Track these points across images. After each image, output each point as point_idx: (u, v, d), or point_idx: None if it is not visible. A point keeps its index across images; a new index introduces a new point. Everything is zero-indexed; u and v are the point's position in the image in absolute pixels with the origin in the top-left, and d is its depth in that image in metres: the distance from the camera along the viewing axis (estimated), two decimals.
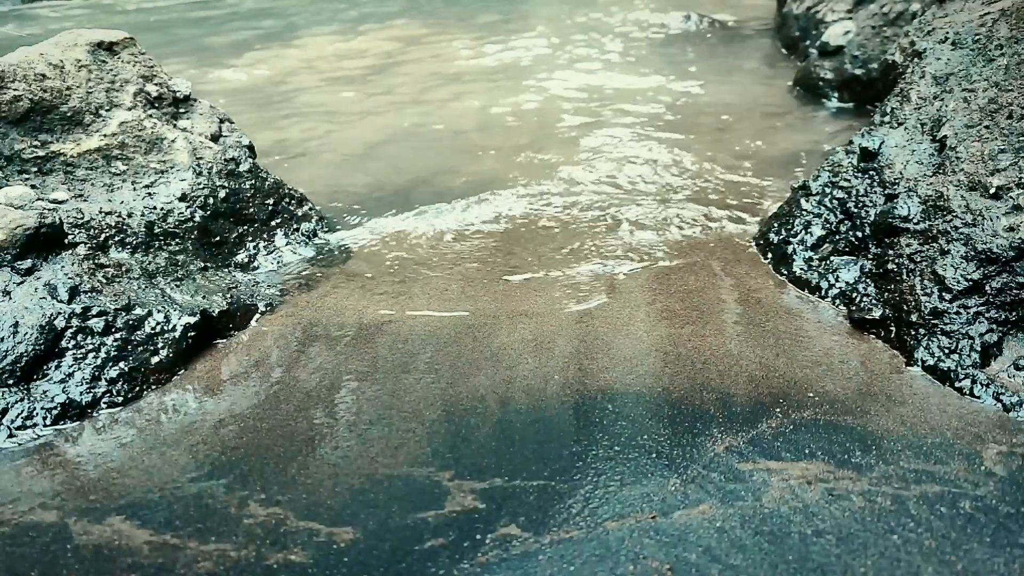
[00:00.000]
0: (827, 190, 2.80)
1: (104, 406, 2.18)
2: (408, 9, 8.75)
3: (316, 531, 1.70)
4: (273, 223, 3.21)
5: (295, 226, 3.26)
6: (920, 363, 2.18)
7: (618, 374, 2.21)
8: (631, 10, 7.93)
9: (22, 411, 2.09)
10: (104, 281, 2.41)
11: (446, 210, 3.44)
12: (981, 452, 1.84)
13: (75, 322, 2.24)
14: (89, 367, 2.21)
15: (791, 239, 2.79)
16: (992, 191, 2.23)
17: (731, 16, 7.41)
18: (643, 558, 1.58)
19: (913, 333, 2.23)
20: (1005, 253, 2.12)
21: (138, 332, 2.34)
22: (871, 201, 2.63)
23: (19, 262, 2.29)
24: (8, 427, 2.06)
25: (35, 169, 2.71)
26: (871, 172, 2.69)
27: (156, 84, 3.05)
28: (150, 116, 2.99)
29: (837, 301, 2.53)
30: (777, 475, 1.79)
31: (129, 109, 2.94)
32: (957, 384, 2.08)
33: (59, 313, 2.23)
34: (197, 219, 2.90)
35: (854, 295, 2.50)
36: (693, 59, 5.98)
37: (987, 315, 2.14)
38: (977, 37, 2.65)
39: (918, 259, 2.33)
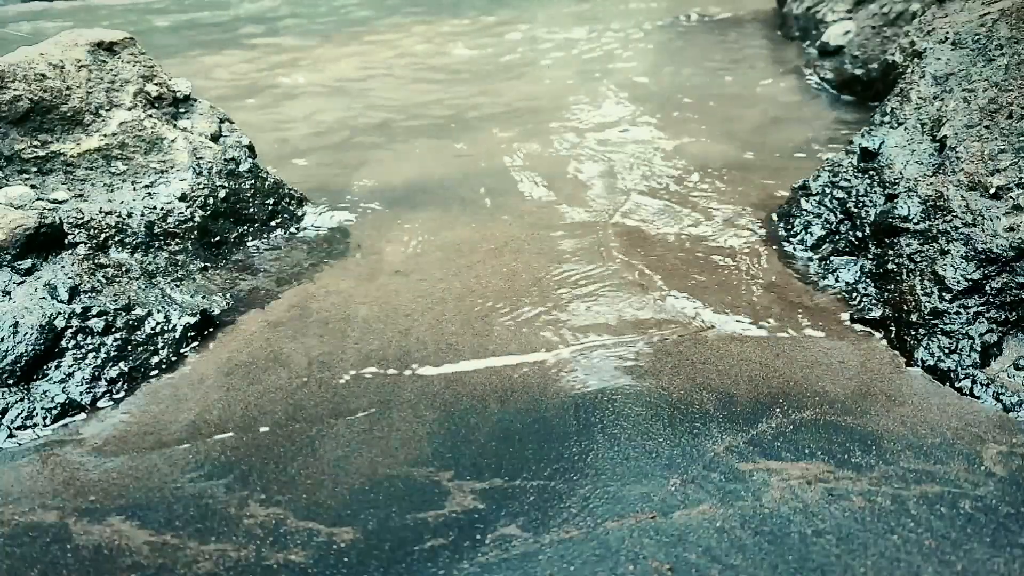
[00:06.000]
0: (827, 190, 2.80)
1: (104, 406, 2.18)
2: (402, 5, 8.75)
3: (316, 531, 1.70)
4: (273, 223, 3.21)
5: (295, 226, 3.26)
6: (920, 363, 2.18)
7: (618, 374, 2.21)
8: (631, 8, 7.93)
9: (22, 411, 2.09)
10: (104, 281, 2.41)
11: (448, 207, 3.44)
12: (981, 452, 1.84)
13: (75, 322, 2.24)
14: (89, 367, 2.21)
15: (791, 239, 2.79)
16: (992, 191, 2.23)
17: (730, 15, 7.41)
18: (643, 558, 1.58)
19: (913, 333, 2.23)
20: (1005, 253, 2.12)
21: (138, 332, 2.34)
22: (871, 201, 2.63)
23: (19, 262, 2.29)
24: (8, 427, 2.06)
25: (35, 169, 2.71)
26: (871, 172, 2.69)
27: (156, 84, 3.05)
28: (150, 116, 2.99)
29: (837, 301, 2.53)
30: (777, 475, 1.79)
31: (129, 109, 2.94)
32: (957, 384, 2.08)
33: (59, 313, 2.23)
34: (197, 219, 2.90)
35: (854, 295, 2.50)
36: (691, 58, 5.98)
37: (987, 315, 2.14)
38: (977, 37, 2.65)
39: (918, 259, 2.33)
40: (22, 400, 2.11)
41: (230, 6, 9.64)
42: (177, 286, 2.62)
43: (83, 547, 1.68)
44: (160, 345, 2.35)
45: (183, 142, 3.01)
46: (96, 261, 2.47)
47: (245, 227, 3.09)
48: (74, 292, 2.30)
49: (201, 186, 2.95)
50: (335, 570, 1.60)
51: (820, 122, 4.43)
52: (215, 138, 3.16)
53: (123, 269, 2.53)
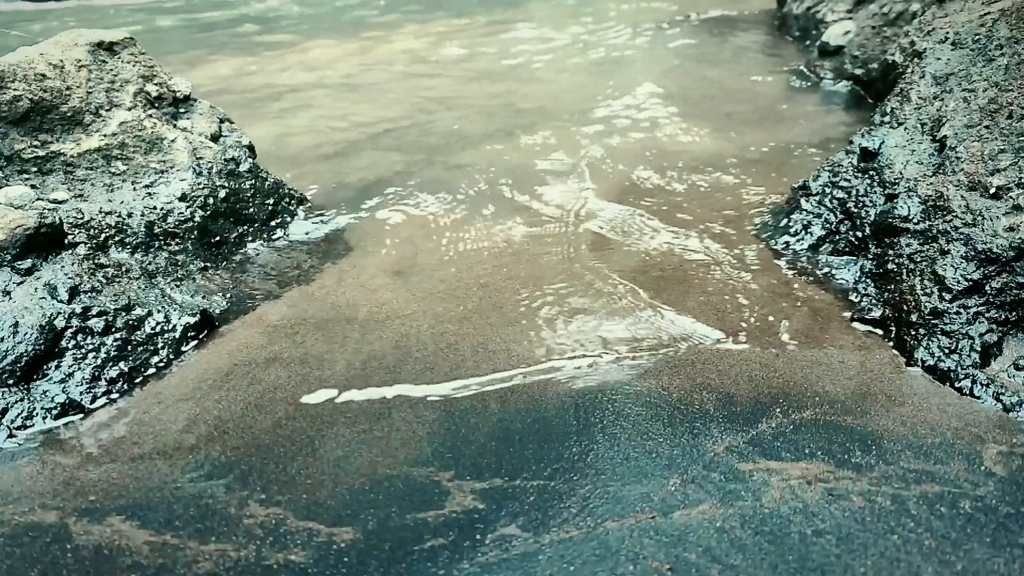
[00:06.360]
0: (827, 190, 2.80)
1: (104, 406, 2.18)
2: (403, 4, 8.75)
3: (316, 531, 1.70)
4: (273, 223, 3.21)
5: (295, 226, 3.26)
6: (920, 363, 2.18)
7: (618, 373, 2.21)
8: (631, 8, 7.93)
9: (22, 411, 2.09)
10: (104, 281, 2.41)
11: (449, 207, 3.44)
12: (981, 452, 1.84)
13: (75, 322, 2.24)
14: (89, 367, 2.21)
15: (791, 239, 2.79)
16: (992, 191, 2.23)
17: (730, 15, 7.41)
18: (643, 558, 1.58)
19: (913, 333, 2.23)
20: (1005, 253, 2.12)
21: (138, 332, 2.34)
22: (871, 201, 2.63)
23: (19, 262, 2.29)
24: (8, 427, 2.06)
25: (35, 169, 2.71)
26: (871, 172, 2.69)
27: (156, 84, 3.05)
28: (150, 116, 2.99)
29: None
30: (777, 475, 1.79)
31: (129, 109, 2.94)
32: (957, 384, 2.08)
33: (59, 313, 2.23)
34: (197, 219, 2.90)
35: (854, 295, 2.50)
36: (691, 58, 5.98)
37: (987, 315, 2.14)
38: (977, 37, 2.65)
39: (918, 259, 2.33)
40: (22, 400, 2.11)
41: (238, 5, 9.64)
42: (177, 286, 2.62)
43: (83, 547, 1.68)
44: (160, 345, 2.35)
45: (183, 142, 3.01)
46: (96, 261, 2.47)
47: (245, 227, 3.09)
48: (74, 292, 2.30)
49: (201, 186, 2.95)
50: (335, 570, 1.60)
51: (820, 122, 4.43)
52: (215, 138, 3.16)
53: (123, 269, 2.54)
